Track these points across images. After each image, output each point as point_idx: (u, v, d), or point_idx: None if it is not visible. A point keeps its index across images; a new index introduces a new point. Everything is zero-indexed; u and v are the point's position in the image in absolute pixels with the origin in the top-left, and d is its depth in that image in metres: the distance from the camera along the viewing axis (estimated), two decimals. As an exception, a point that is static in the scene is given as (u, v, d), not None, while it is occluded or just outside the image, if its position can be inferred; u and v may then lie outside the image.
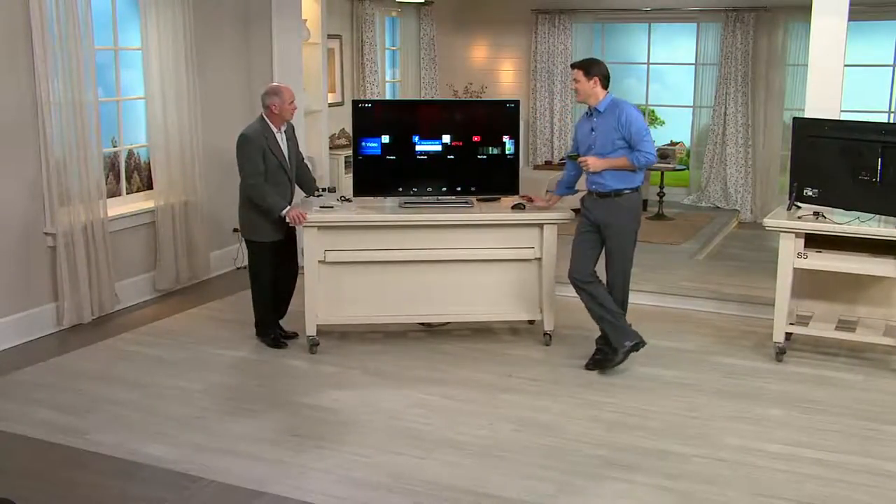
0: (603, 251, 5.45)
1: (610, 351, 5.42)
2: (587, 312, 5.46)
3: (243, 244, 7.78)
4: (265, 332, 5.89)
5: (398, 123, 5.87)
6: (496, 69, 11.53)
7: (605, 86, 5.34)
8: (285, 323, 6.00)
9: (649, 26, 11.17)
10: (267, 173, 5.55)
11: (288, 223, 5.55)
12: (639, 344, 5.35)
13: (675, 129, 11.72)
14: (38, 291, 6.02)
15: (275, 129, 5.59)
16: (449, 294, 5.84)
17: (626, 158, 5.23)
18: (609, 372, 5.41)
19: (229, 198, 7.69)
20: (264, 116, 5.60)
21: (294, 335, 5.95)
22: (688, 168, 10.81)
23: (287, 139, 5.71)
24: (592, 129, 5.36)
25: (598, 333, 5.52)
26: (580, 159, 5.36)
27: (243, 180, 5.59)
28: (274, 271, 5.81)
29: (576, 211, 5.71)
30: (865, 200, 5.31)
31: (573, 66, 5.41)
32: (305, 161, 6.12)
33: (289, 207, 5.54)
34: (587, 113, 5.43)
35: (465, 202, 5.88)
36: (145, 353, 5.75)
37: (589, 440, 4.52)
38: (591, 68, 5.32)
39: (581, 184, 5.62)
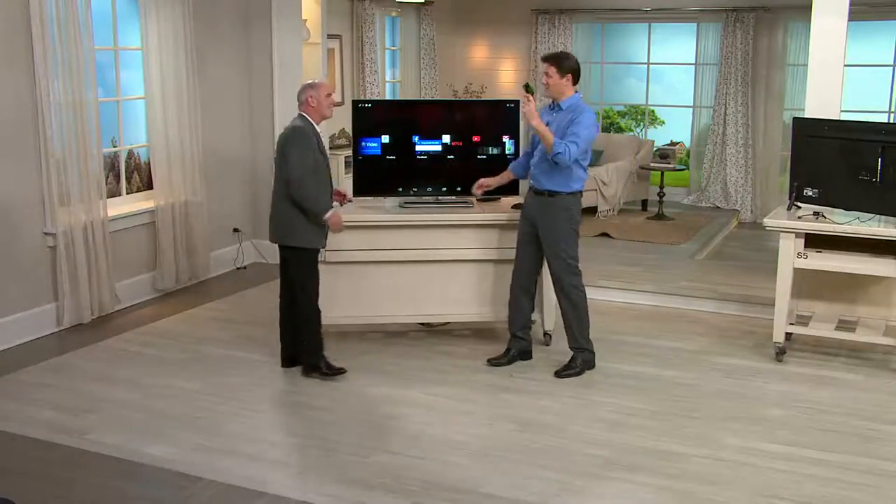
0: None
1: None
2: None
3: (243, 244, 7.84)
4: (320, 358, 5.30)
5: (398, 123, 5.87)
6: (496, 69, 11.53)
7: (576, 81, 5.24)
8: None
9: (649, 26, 11.17)
10: (315, 174, 5.09)
11: (329, 229, 5.17)
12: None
13: (675, 129, 11.73)
14: (38, 291, 6.01)
15: (318, 128, 5.18)
16: (449, 294, 5.84)
17: (553, 137, 5.06)
18: (609, 372, 5.42)
19: (229, 198, 7.74)
20: (304, 115, 5.13)
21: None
22: (688, 168, 10.82)
23: None
24: (548, 124, 5.28)
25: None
26: (527, 96, 5.17)
27: (289, 174, 5.02)
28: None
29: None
30: (865, 200, 5.31)
31: (544, 59, 5.28)
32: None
33: (332, 212, 5.15)
34: (549, 106, 5.36)
35: (465, 202, 5.88)
36: (145, 353, 5.74)
37: (589, 440, 4.51)
38: (565, 63, 5.20)
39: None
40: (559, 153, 5.04)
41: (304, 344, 5.31)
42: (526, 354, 5.59)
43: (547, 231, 5.29)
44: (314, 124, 5.16)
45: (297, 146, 5.05)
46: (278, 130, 7.55)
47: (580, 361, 5.39)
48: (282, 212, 5.17)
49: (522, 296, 5.53)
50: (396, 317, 5.91)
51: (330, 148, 8.78)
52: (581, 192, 5.32)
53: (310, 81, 5.27)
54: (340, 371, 5.32)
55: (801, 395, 5.10)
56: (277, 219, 5.21)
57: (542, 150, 5.23)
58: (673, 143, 10.41)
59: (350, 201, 5.93)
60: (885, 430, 4.66)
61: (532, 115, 5.12)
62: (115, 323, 6.33)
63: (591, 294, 5.98)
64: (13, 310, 5.84)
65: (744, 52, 10.10)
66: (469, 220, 5.73)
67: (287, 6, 7.72)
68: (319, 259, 5.58)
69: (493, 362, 5.53)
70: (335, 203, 5.45)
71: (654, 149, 10.37)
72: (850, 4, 5.69)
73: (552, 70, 5.20)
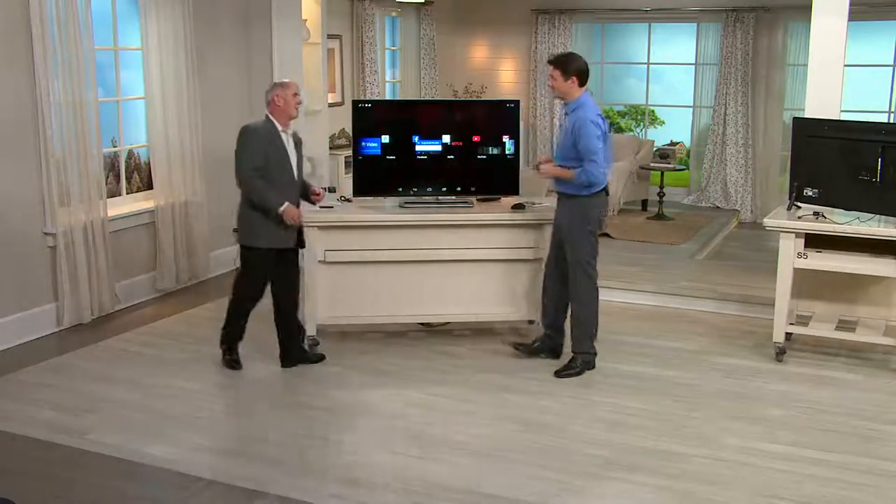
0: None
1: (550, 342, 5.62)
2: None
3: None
4: (230, 344, 5.49)
5: (398, 123, 5.87)
6: (496, 69, 11.53)
7: (583, 83, 5.23)
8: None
9: (649, 26, 11.17)
10: (268, 172, 5.13)
11: (285, 222, 5.15)
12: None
13: (675, 129, 11.73)
14: (38, 291, 6.01)
15: (280, 128, 5.19)
16: (449, 294, 5.84)
17: (573, 173, 5.14)
18: (609, 372, 5.42)
19: (229, 198, 7.70)
20: (269, 115, 5.20)
21: (322, 357, 5.61)
22: (688, 168, 10.81)
23: (295, 145, 5.32)
24: (561, 126, 5.31)
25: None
26: (535, 163, 5.43)
27: (237, 172, 5.17)
28: (276, 286, 5.39)
29: None
30: (865, 200, 5.31)
31: (550, 62, 5.29)
32: (304, 178, 5.57)
33: (287, 205, 5.14)
34: (564, 108, 5.40)
35: (465, 202, 5.88)
36: (145, 353, 5.74)
37: (589, 440, 4.52)
38: (569, 66, 5.20)
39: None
40: (585, 180, 5.11)
41: (226, 324, 5.46)
42: (552, 353, 5.60)
43: (563, 231, 5.33)
44: (276, 123, 5.19)
45: (241, 145, 5.17)
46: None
47: (580, 362, 5.39)
48: (241, 212, 5.29)
49: (554, 296, 5.52)
50: (396, 317, 5.91)
51: (330, 148, 8.79)
52: (601, 192, 5.27)
53: (279, 80, 5.35)
54: (234, 366, 5.42)
55: (801, 395, 5.10)
56: (238, 219, 5.33)
57: (560, 155, 5.28)
58: (673, 143, 10.41)
59: (344, 198, 5.92)
60: (885, 430, 4.66)
61: (544, 172, 5.32)
62: (115, 323, 6.33)
63: (591, 294, 5.98)
64: (13, 310, 5.84)
65: (744, 52, 10.10)
66: (469, 220, 5.73)
67: (287, 6, 7.72)
68: (320, 259, 5.59)
69: (517, 346, 5.65)
70: (318, 203, 5.52)
71: (654, 149, 10.36)
72: (850, 4, 5.69)
73: (557, 73, 5.22)
